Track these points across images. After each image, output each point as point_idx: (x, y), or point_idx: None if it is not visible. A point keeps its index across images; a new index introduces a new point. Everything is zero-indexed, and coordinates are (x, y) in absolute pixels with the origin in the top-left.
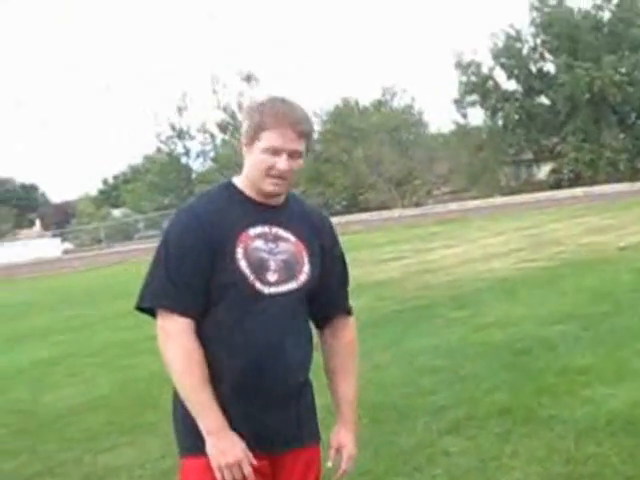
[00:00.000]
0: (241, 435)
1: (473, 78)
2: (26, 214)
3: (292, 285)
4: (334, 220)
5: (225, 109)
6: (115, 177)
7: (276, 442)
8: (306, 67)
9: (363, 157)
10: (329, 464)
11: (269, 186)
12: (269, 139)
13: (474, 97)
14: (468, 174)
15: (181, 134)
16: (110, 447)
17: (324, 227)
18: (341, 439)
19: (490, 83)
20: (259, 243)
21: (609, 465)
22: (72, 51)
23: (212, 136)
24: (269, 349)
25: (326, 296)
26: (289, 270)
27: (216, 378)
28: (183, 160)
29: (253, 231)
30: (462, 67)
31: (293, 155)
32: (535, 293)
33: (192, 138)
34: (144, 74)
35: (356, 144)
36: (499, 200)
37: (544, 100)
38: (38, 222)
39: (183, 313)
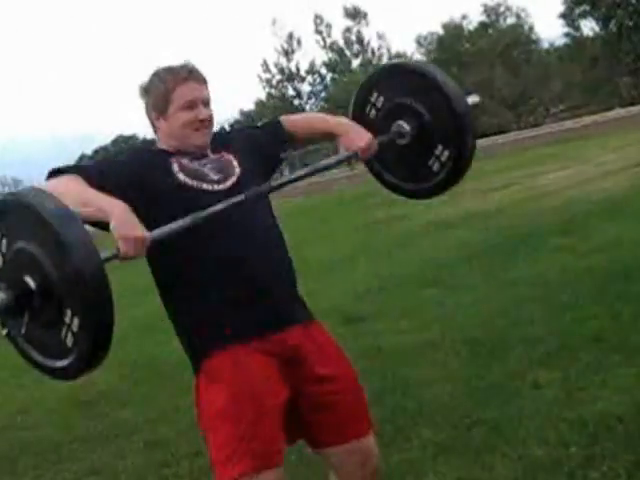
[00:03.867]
0: (239, 324)
1: None
2: None
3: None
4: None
5: (332, 47)
6: (230, 125)
7: (280, 318)
8: None
9: (474, 82)
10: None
11: (199, 139)
12: (181, 96)
13: (584, 8)
14: (585, 88)
15: (290, 77)
16: None
17: (249, 136)
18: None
19: None
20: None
21: None
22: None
23: (321, 76)
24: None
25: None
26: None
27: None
28: (295, 102)
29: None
30: None
31: (206, 104)
32: None
33: (302, 80)
34: (248, 22)
35: (466, 69)
36: (618, 112)
37: None
38: None
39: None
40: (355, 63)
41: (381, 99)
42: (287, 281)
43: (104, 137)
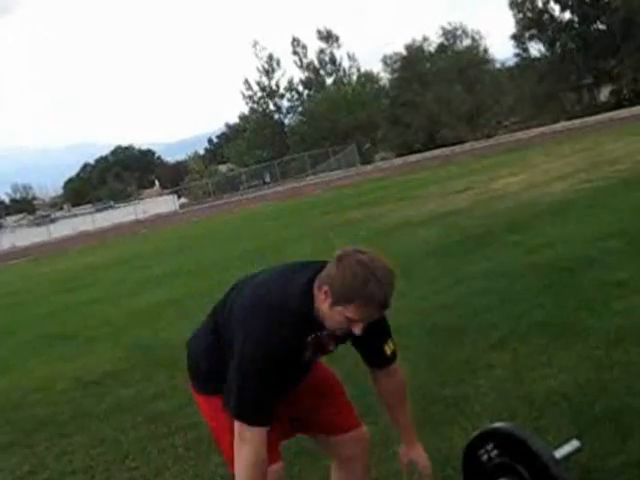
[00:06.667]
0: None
1: (529, 14)
2: (146, 176)
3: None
4: (413, 158)
5: (308, 67)
6: (218, 137)
7: None
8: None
9: (434, 98)
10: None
11: (339, 332)
12: (355, 313)
13: (532, 31)
14: (533, 103)
15: (271, 94)
16: None
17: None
18: (413, 454)
19: (546, 16)
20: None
21: (633, 370)
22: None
23: (299, 93)
24: None
25: (370, 352)
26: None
27: None
28: (275, 116)
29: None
30: (517, 4)
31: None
32: (587, 212)
33: (282, 97)
34: (232, 44)
35: (427, 87)
36: (563, 125)
37: (599, 26)
38: (157, 182)
39: (259, 425)
40: (329, 81)
41: (495, 452)
42: None
43: (102, 147)
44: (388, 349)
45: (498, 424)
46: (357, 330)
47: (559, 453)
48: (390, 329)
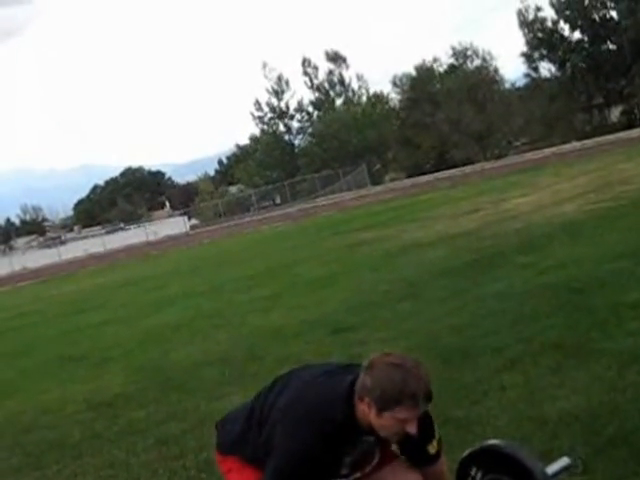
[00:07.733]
0: None
1: (539, 34)
2: (156, 197)
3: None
4: (423, 179)
5: (318, 88)
6: (228, 158)
7: None
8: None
9: (444, 118)
10: None
11: (394, 439)
12: (404, 414)
13: (542, 51)
14: (543, 124)
15: (281, 115)
16: (221, 395)
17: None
18: None
19: (556, 36)
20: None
21: None
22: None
23: (308, 114)
24: None
25: (413, 452)
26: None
27: None
28: (285, 137)
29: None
30: (527, 24)
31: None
32: (596, 233)
33: (292, 117)
34: (241, 65)
35: (437, 107)
36: (573, 145)
37: (609, 46)
38: (167, 203)
39: None
40: (338, 102)
41: (479, 474)
42: None
43: (112, 168)
44: (432, 449)
45: (491, 441)
46: (412, 429)
47: (551, 470)
48: (436, 429)
